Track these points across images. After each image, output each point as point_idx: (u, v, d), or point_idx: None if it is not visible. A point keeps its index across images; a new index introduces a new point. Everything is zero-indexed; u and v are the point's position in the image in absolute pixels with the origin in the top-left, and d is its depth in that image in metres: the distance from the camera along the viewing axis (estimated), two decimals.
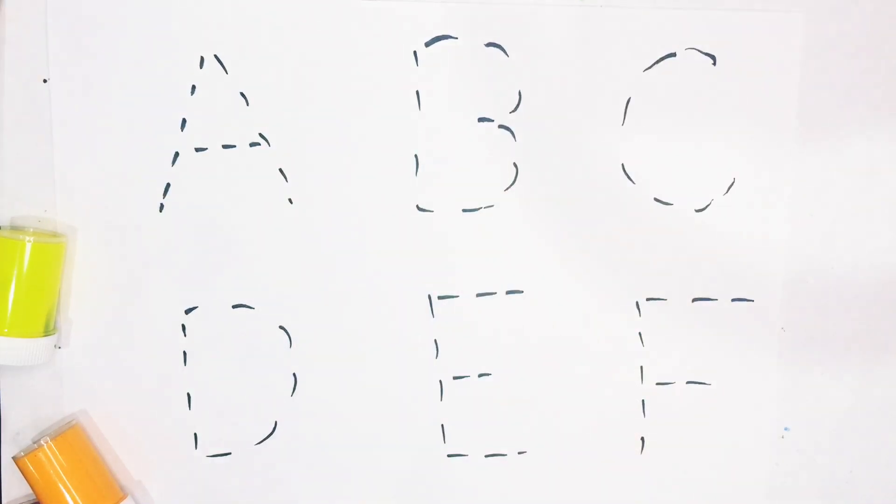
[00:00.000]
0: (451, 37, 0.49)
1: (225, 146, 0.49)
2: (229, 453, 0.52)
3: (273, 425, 0.52)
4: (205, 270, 0.50)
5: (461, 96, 0.49)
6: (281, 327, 0.51)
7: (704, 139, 0.51)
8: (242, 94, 0.49)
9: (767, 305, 0.52)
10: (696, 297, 0.52)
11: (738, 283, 0.52)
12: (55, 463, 0.48)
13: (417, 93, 0.49)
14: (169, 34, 0.48)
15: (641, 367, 0.52)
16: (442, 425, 0.53)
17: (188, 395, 0.51)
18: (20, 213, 0.49)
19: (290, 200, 0.50)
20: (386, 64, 0.49)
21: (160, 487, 0.52)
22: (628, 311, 0.52)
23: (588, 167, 0.51)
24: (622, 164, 0.51)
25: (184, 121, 0.49)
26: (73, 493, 0.48)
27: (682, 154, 0.51)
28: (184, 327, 0.51)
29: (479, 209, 0.51)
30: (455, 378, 0.52)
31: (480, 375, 0.52)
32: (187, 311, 0.51)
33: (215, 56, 0.48)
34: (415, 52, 0.49)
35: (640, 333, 0.52)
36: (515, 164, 0.50)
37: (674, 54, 0.50)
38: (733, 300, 0.52)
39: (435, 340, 0.52)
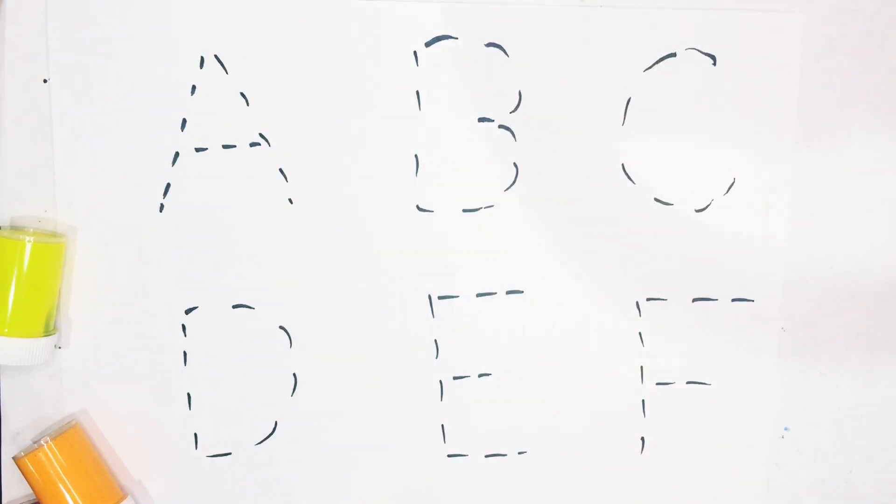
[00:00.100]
0: (451, 37, 0.49)
1: (225, 146, 0.49)
2: (229, 453, 0.52)
3: (273, 425, 0.52)
4: (205, 270, 0.50)
5: (461, 96, 0.49)
6: (281, 327, 0.51)
7: (704, 139, 0.51)
8: (242, 94, 0.49)
9: (767, 305, 0.52)
10: (696, 297, 0.52)
11: (738, 283, 0.52)
12: (55, 463, 0.48)
13: (417, 93, 0.49)
14: (169, 34, 0.48)
15: (641, 367, 0.52)
16: (442, 425, 0.53)
17: (188, 395, 0.51)
18: (20, 213, 0.49)
19: (290, 200, 0.50)
20: (386, 64, 0.49)
21: (160, 487, 0.52)
22: (628, 311, 0.52)
23: (588, 167, 0.51)
24: (622, 164, 0.51)
25: (184, 121, 0.49)
26: (73, 493, 0.48)
27: (682, 154, 0.51)
28: (184, 327, 0.51)
29: (479, 209, 0.51)
30: (455, 378, 0.52)
31: (480, 375, 0.52)
32: (187, 311, 0.51)
33: (215, 56, 0.48)
34: (415, 52, 0.49)
35: (640, 333, 0.52)
36: (515, 164, 0.50)
37: (674, 54, 0.50)
38: (733, 300, 0.52)
39: (435, 340, 0.52)
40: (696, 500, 0.54)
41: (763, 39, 0.50)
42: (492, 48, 0.49)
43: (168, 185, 0.49)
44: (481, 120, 0.50)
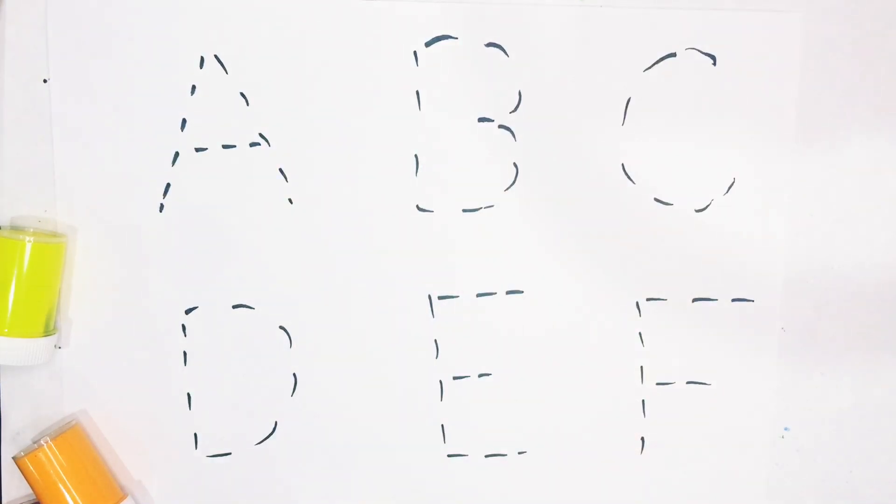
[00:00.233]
0: (451, 37, 0.49)
1: (225, 146, 0.49)
2: (229, 453, 0.52)
3: (273, 425, 0.52)
4: (205, 270, 0.50)
5: (461, 96, 0.49)
6: (281, 327, 0.51)
7: (704, 139, 0.51)
8: (242, 94, 0.49)
9: (767, 305, 0.52)
10: (696, 297, 0.52)
11: (738, 283, 0.52)
12: (55, 463, 0.48)
13: (417, 93, 0.49)
14: (169, 34, 0.48)
15: (641, 367, 0.52)
16: (442, 425, 0.53)
17: (188, 395, 0.51)
18: (20, 213, 0.49)
19: (290, 200, 0.50)
20: (386, 64, 0.49)
21: (160, 487, 0.52)
22: (628, 311, 0.52)
23: (588, 167, 0.51)
24: (622, 164, 0.51)
25: (184, 121, 0.49)
26: (73, 493, 0.48)
27: (682, 154, 0.51)
28: (184, 327, 0.51)
29: (479, 209, 0.51)
30: (455, 378, 0.52)
31: (480, 375, 0.52)
32: (187, 311, 0.51)
33: (215, 56, 0.48)
34: (415, 52, 0.49)
35: (640, 333, 0.52)
36: (515, 164, 0.50)
37: (674, 54, 0.50)
38: (733, 300, 0.52)
39: (435, 340, 0.52)
40: (696, 500, 0.54)
41: (763, 39, 0.50)
42: (492, 48, 0.49)
43: (168, 185, 0.49)
44: (481, 120, 0.50)
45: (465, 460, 0.53)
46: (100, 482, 0.49)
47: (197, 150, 0.49)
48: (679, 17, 0.49)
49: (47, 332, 0.48)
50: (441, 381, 0.52)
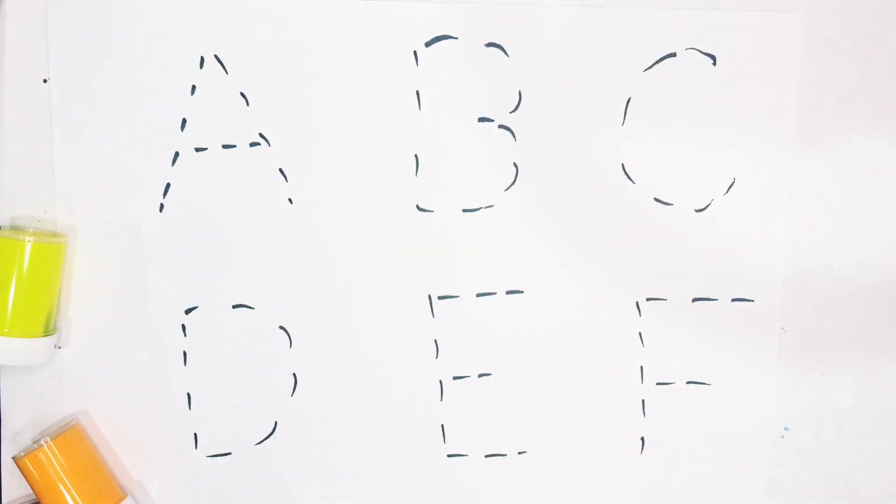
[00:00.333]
0: (451, 37, 0.49)
1: (225, 146, 0.49)
2: (229, 453, 0.52)
3: (273, 425, 0.52)
4: (205, 270, 0.50)
5: (461, 96, 0.49)
6: (281, 327, 0.51)
7: (704, 139, 0.51)
8: (242, 94, 0.49)
9: (767, 305, 0.52)
10: (696, 297, 0.52)
11: (738, 283, 0.52)
12: (55, 463, 0.48)
13: (417, 93, 0.49)
14: (169, 34, 0.48)
15: (641, 367, 0.52)
16: (442, 425, 0.53)
17: (188, 395, 0.51)
18: (20, 213, 0.49)
19: (290, 200, 0.50)
20: (386, 64, 0.49)
21: (160, 487, 0.52)
22: (628, 311, 0.52)
23: (588, 167, 0.51)
24: (622, 164, 0.51)
25: (184, 121, 0.49)
26: (73, 493, 0.48)
27: (682, 154, 0.51)
28: (184, 327, 0.51)
29: (479, 209, 0.51)
30: (455, 378, 0.52)
31: (480, 375, 0.52)
32: (187, 311, 0.51)
33: (215, 56, 0.48)
34: (415, 52, 0.49)
35: (640, 333, 0.52)
36: (515, 164, 0.50)
37: (674, 54, 0.50)
38: (733, 300, 0.52)
39: (435, 340, 0.52)
40: (696, 500, 0.54)
41: (763, 39, 0.50)
42: (492, 48, 0.49)
43: (168, 185, 0.49)
44: (481, 120, 0.50)
45: (465, 460, 0.53)
46: (100, 482, 0.49)
47: (197, 150, 0.49)
48: (679, 17, 0.49)
49: (47, 332, 0.48)
50: (441, 381, 0.52)
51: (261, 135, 0.49)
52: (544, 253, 0.51)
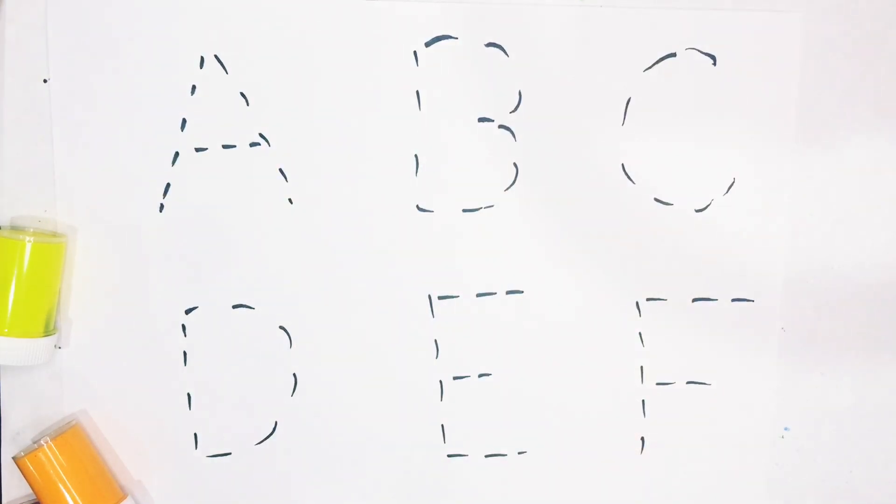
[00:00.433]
0: (451, 37, 0.49)
1: (225, 146, 0.49)
2: (229, 453, 0.52)
3: (273, 425, 0.52)
4: (205, 270, 0.50)
5: (461, 96, 0.49)
6: (281, 327, 0.51)
7: (704, 139, 0.51)
8: (242, 94, 0.49)
9: (767, 305, 0.52)
10: (696, 297, 0.52)
11: (738, 283, 0.52)
12: (55, 463, 0.48)
13: (417, 93, 0.49)
14: (169, 34, 0.48)
15: (641, 367, 0.52)
16: (442, 425, 0.53)
17: (188, 395, 0.51)
18: (20, 213, 0.49)
19: (290, 200, 0.50)
20: (386, 64, 0.49)
21: (160, 487, 0.52)
22: (628, 311, 0.52)
23: (588, 167, 0.51)
24: (622, 164, 0.51)
25: (184, 121, 0.49)
26: (73, 493, 0.48)
27: (682, 154, 0.51)
28: (184, 327, 0.51)
29: (479, 209, 0.51)
30: (455, 378, 0.52)
31: (480, 375, 0.52)
32: (187, 311, 0.51)
33: (215, 56, 0.48)
34: (415, 52, 0.49)
35: (640, 333, 0.52)
36: (515, 164, 0.50)
37: (674, 54, 0.50)
38: (733, 300, 0.52)
39: (435, 340, 0.52)
40: (696, 500, 0.54)
41: (763, 39, 0.50)
42: (492, 48, 0.49)
43: (168, 185, 0.49)
44: (481, 120, 0.50)
45: (465, 460, 0.53)
46: (100, 482, 0.49)
47: (197, 150, 0.49)
48: (679, 17, 0.49)
49: (47, 332, 0.48)
50: (441, 381, 0.52)
51: (261, 135, 0.49)
52: (544, 253, 0.51)
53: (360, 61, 0.49)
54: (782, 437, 0.53)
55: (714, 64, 0.50)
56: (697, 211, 0.51)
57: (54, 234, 0.49)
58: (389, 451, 0.52)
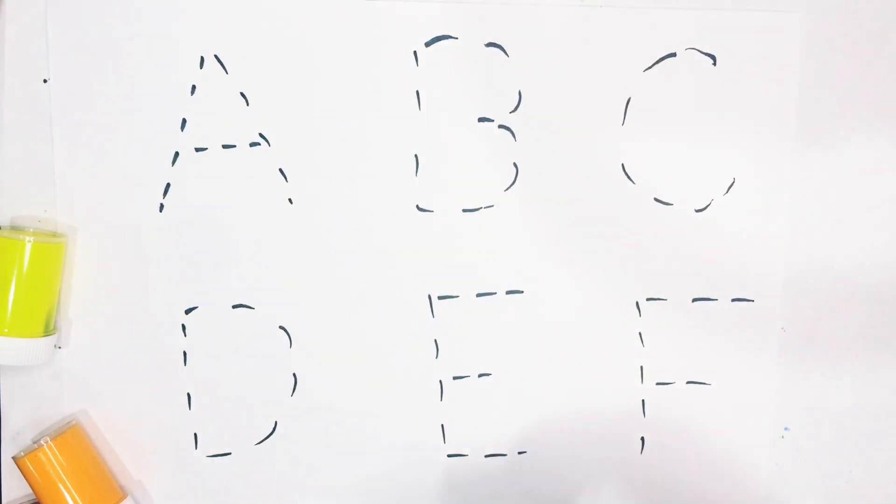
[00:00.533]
0: (451, 37, 0.49)
1: (225, 146, 0.49)
2: (229, 453, 0.52)
3: (273, 425, 0.52)
4: (205, 270, 0.50)
5: (461, 96, 0.49)
6: (281, 327, 0.51)
7: (704, 139, 0.51)
8: (242, 94, 0.49)
9: (767, 305, 0.52)
10: (696, 297, 0.52)
11: (738, 283, 0.52)
12: (55, 463, 0.48)
13: (417, 93, 0.49)
14: (169, 34, 0.48)
15: (641, 367, 0.52)
16: (442, 425, 0.53)
17: (188, 395, 0.51)
18: (20, 213, 0.49)
19: (290, 200, 0.50)
20: (386, 64, 0.49)
21: (160, 487, 0.52)
22: (628, 311, 0.52)
23: (588, 167, 0.51)
24: (622, 164, 0.51)
25: (184, 121, 0.49)
26: (73, 493, 0.48)
27: (682, 154, 0.51)
28: (184, 327, 0.51)
29: (479, 209, 0.51)
30: (455, 378, 0.52)
31: (480, 375, 0.52)
32: (187, 311, 0.51)
33: (215, 56, 0.48)
34: (415, 52, 0.49)
35: (640, 333, 0.52)
36: (515, 164, 0.50)
37: (674, 54, 0.50)
38: (733, 300, 0.52)
39: (435, 340, 0.52)
40: (696, 500, 0.54)
41: (763, 39, 0.50)
42: (492, 48, 0.49)
43: (168, 185, 0.49)
44: (481, 120, 0.50)
45: (465, 460, 0.53)
46: (100, 482, 0.49)
47: (197, 150, 0.49)
48: (679, 17, 0.49)
49: (47, 332, 0.48)
50: (441, 381, 0.52)
51: (261, 135, 0.49)
52: (544, 253, 0.51)
53: (360, 61, 0.49)
54: (782, 437, 0.53)
55: (714, 64, 0.50)
56: (697, 211, 0.51)
57: (54, 234, 0.49)
58: (389, 451, 0.52)
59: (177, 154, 0.49)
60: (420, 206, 0.50)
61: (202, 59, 0.48)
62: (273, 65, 0.49)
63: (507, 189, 0.51)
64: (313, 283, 0.51)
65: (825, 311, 0.52)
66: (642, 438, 0.53)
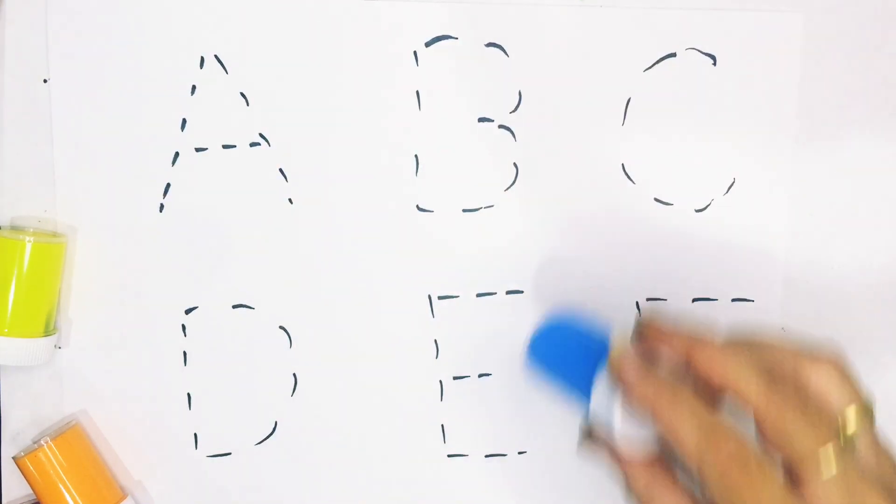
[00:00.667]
0: (451, 37, 0.49)
1: (225, 146, 0.49)
2: (229, 453, 0.52)
3: (273, 425, 0.52)
4: (205, 270, 0.50)
5: (461, 96, 0.49)
6: (281, 327, 0.51)
7: (704, 139, 0.51)
8: (242, 94, 0.49)
9: (767, 305, 0.52)
10: (696, 297, 0.52)
11: (738, 283, 0.52)
12: (55, 463, 0.48)
13: (417, 93, 0.49)
14: (169, 34, 0.48)
15: None
16: (442, 425, 0.53)
17: (188, 395, 0.51)
18: (20, 213, 0.49)
19: (290, 200, 0.50)
20: (386, 64, 0.49)
21: (160, 487, 0.52)
22: (628, 311, 0.52)
23: (588, 167, 0.51)
24: (622, 164, 0.51)
25: (184, 121, 0.49)
26: (73, 493, 0.48)
27: (682, 154, 0.51)
28: (184, 327, 0.51)
29: (479, 209, 0.51)
30: (455, 378, 0.52)
31: (480, 375, 0.52)
32: (187, 311, 0.51)
33: (215, 56, 0.48)
34: (415, 52, 0.49)
35: None
36: (515, 164, 0.50)
37: (674, 54, 0.50)
38: (733, 300, 0.52)
39: (435, 340, 0.52)
40: None
41: (763, 39, 0.50)
42: (492, 48, 0.49)
43: (168, 185, 0.49)
44: (481, 120, 0.50)
45: (465, 460, 0.53)
46: (100, 482, 0.49)
47: (197, 150, 0.49)
48: (679, 17, 0.49)
49: (47, 332, 0.48)
50: (441, 381, 0.52)
51: (261, 135, 0.49)
52: (544, 253, 0.51)
53: (360, 61, 0.49)
54: None
55: (714, 64, 0.50)
56: (697, 211, 0.51)
57: (54, 234, 0.49)
58: (389, 451, 0.52)
59: (177, 154, 0.49)
60: (420, 206, 0.50)
61: (202, 59, 0.48)
62: (273, 65, 0.49)
63: (507, 189, 0.51)
64: (313, 283, 0.51)
65: (825, 311, 0.52)
66: None
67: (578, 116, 0.50)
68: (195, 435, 0.52)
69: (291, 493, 0.53)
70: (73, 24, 0.47)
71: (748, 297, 0.52)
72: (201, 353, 0.51)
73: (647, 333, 0.42)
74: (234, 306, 0.51)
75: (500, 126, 0.50)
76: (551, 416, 0.53)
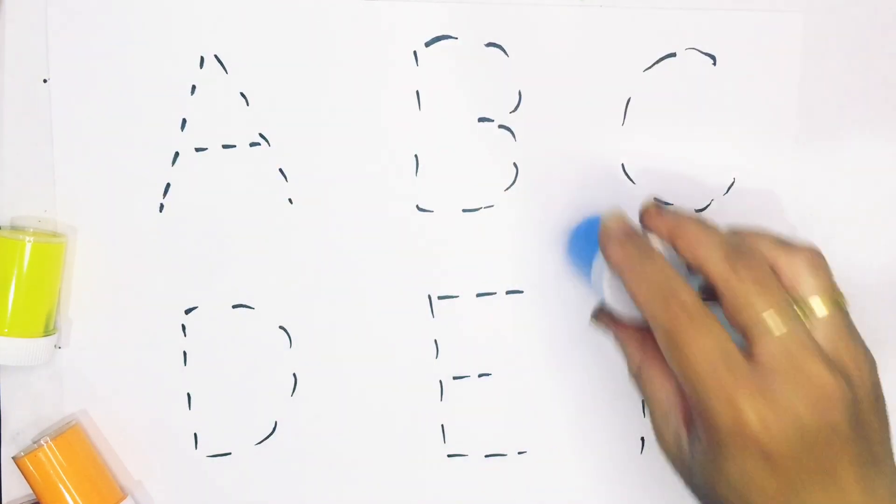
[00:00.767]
0: (451, 37, 0.49)
1: (225, 146, 0.49)
2: (229, 453, 0.52)
3: (273, 425, 0.52)
4: (205, 270, 0.50)
5: (461, 96, 0.49)
6: (281, 327, 0.51)
7: (704, 139, 0.51)
8: (242, 94, 0.49)
9: None
10: None
11: None
12: (55, 463, 0.48)
13: (417, 93, 0.49)
14: (169, 34, 0.48)
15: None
16: (442, 425, 0.53)
17: (188, 395, 0.51)
18: (20, 213, 0.49)
19: (290, 200, 0.50)
20: (386, 64, 0.49)
21: (160, 487, 0.52)
22: None
23: (588, 167, 0.51)
24: (622, 164, 0.51)
25: (184, 121, 0.49)
26: (73, 493, 0.48)
27: (681, 154, 0.51)
28: (184, 327, 0.51)
29: (479, 209, 0.51)
30: (455, 378, 0.52)
31: (480, 375, 0.52)
32: (187, 311, 0.51)
33: (215, 56, 0.48)
34: (415, 52, 0.49)
35: None
36: (515, 164, 0.50)
37: (674, 54, 0.50)
38: None
39: (435, 340, 0.52)
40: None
41: (763, 39, 0.50)
42: (492, 48, 0.49)
43: (168, 185, 0.49)
44: (481, 120, 0.50)
45: (465, 460, 0.53)
46: (100, 482, 0.49)
47: (197, 150, 0.49)
48: (679, 17, 0.49)
49: (47, 332, 0.48)
50: (441, 381, 0.52)
51: (261, 135, 0.49)
52: (544, 253, 0.51)
53: (359, 61, 0.49)
54: None
55: (714, 64, 0.50)
56: (697, 211, 0.51)
57: (54, 234, 0.49)
58: (389, 451, 0.52)
59: (177, 154, 0.49)
60: (420, 206, 0.50)
61: (202, 59, 0.48)
62: (273, 65, 0.49)
63: (507, 189, 0.51)
64: (313, 283, 0.51)
65: None
66: (642, 438, 0.53)
67: (578, 116, 0.50)
68: (195, 435, 0.52)
69: (291, 493, 0.53)
70: (73, 24, 0.47)
71: None
72: (201, 353, 0.51)
73: (643, 219, 0.44)
74: (234, 306, 0.51)
75: (500, 126, 0.50)
76: (551, 416, 0.53)
